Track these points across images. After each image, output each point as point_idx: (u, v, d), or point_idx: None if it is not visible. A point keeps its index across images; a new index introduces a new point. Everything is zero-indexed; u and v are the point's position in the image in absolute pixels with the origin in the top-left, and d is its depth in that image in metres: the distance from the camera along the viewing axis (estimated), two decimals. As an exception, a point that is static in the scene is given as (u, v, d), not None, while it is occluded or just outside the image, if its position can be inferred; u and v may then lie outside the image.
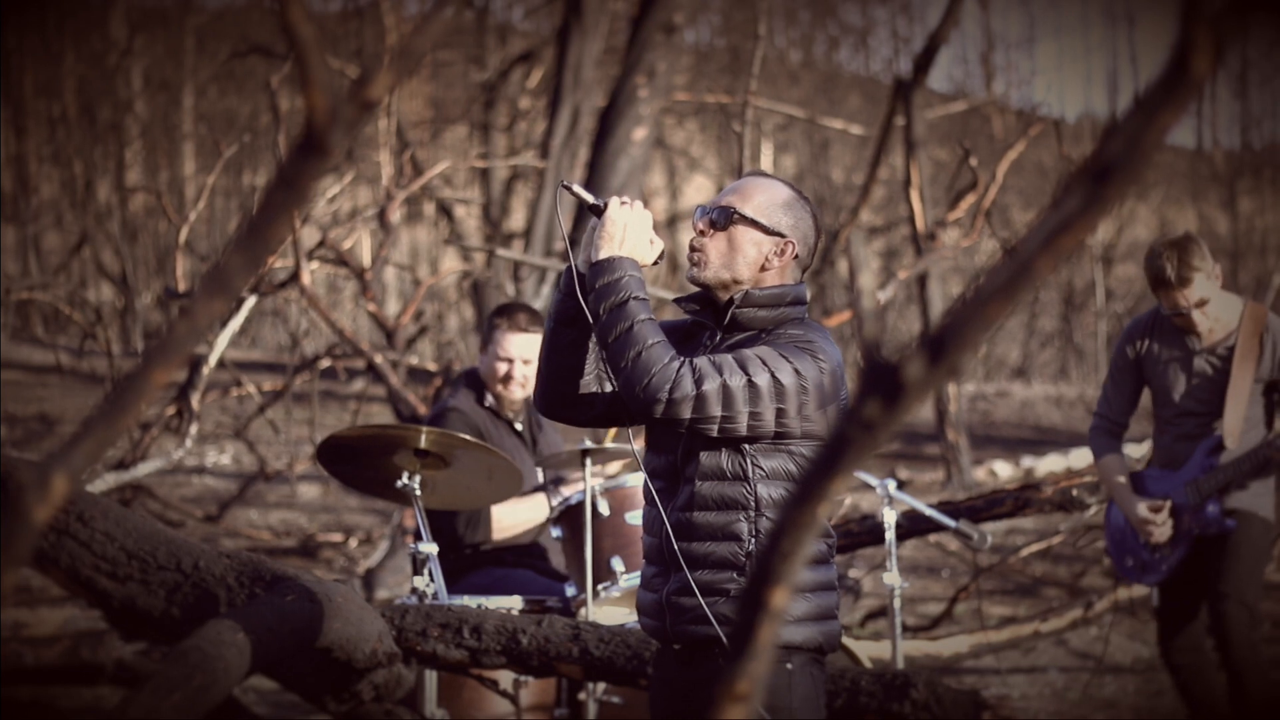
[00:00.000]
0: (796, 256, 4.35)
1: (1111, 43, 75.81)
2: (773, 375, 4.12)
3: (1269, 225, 31.15)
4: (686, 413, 4.10)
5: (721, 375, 4.10)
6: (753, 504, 4.22)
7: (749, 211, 4.32)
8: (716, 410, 4.10)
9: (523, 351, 6.88)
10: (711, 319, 4.39)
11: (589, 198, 4.33)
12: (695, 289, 4.43)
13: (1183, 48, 1.58)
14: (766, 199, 4.35)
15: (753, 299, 4.29)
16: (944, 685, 5.49)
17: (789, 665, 4.22)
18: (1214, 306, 6.66)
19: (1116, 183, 1.59)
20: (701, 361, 4.12)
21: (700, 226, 4.35)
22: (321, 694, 5.41)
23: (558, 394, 4.45)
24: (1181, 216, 32.77)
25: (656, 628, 4.35)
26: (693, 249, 4.36)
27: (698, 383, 4.08)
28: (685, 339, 4.42)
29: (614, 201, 4.29)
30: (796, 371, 4.14)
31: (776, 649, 4.20)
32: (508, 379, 6.89)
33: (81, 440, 1.81)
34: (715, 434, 4.15)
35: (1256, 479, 6.74)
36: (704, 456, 4.23)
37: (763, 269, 4.32)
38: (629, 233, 4.27)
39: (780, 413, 4.14)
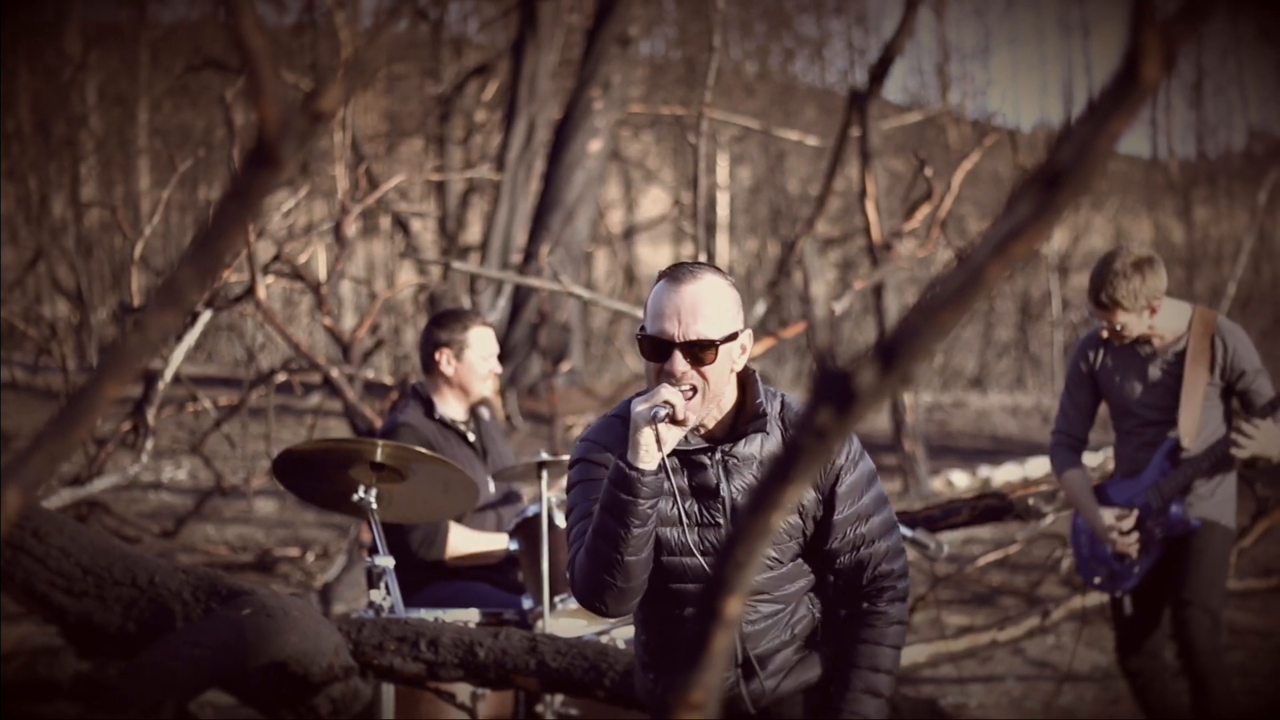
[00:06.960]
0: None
1: (1066, 53, 76.08)
2: (878, 495, 4.35)
3: (1224, 234, 31.33)
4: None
5: (897, 546, 4.37)
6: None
7: (718, 334, 4.12)
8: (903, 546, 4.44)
9: (494, 345, 6.97)
10: (708, 438, 4.29)
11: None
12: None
13: (1133, 54, 1.58)
14: (724, 311, 4.16)
15: (753, 417, 4.22)
16: (901, 694, 5.51)
17: None
18: (1160, 316, 6.66)
19: (1068, 189, 1.60)
20: (890, 565, 4.34)
21: (680, 369, 4.09)
22: (278, 708, 5.40)
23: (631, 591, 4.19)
24: (1137, 225, 32.94)
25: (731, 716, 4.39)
26: (691, 392, 4.09)
27: (905, 572, 4.38)
28: (691, 464, 4.27)
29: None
30: (874, 475, 4.38)
31: None
32: (490, 374, 6.93)
33: (33, 454, 1.80)
34: None
35: (1217, 475, 6.76)
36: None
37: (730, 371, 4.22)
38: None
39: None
